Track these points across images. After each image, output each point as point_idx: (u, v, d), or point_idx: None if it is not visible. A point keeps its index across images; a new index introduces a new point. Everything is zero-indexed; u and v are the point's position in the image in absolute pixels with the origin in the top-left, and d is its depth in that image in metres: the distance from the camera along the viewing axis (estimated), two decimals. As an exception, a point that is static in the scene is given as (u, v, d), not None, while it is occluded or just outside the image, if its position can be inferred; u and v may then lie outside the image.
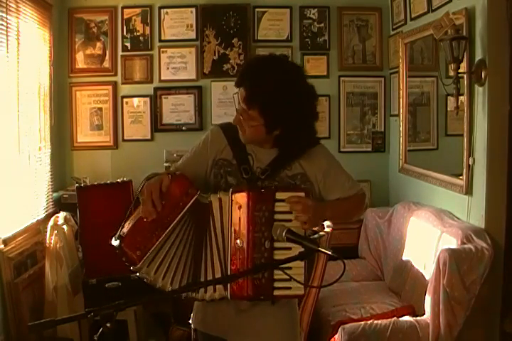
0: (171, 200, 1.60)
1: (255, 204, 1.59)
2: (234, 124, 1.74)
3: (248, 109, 1.64)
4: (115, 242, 1.57)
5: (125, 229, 1.58)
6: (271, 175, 1.73)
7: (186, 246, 1.63)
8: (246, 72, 1.68)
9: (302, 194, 1.64)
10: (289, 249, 1.60)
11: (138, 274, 1.60)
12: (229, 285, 1.61)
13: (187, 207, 1.61)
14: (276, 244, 1.61)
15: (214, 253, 1.64)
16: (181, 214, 1.61)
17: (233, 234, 1.61)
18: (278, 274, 1.60)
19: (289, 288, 1.60)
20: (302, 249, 1.55)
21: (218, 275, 1.63)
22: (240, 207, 1.60)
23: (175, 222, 1.60)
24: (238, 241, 1.60)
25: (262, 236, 1.60)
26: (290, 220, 1.60)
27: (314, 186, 1.78)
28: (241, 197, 1.60)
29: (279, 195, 1.62)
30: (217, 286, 1.63)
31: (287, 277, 1.55)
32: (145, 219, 1.57)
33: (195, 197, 1.63)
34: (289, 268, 1.55)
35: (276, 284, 1.61)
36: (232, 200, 1.61)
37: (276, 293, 1.62)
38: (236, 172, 1.75)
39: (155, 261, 1.59)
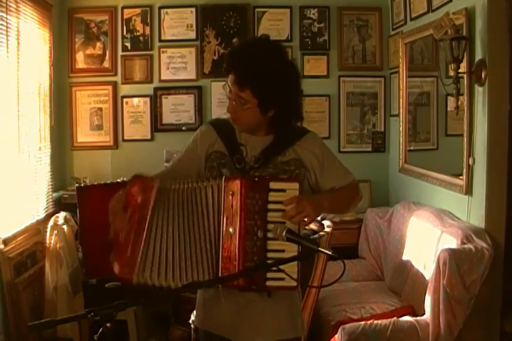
0: (133, 204, 1.62)
1: (248, 191, 1.59)
2: (227, 113, 1.77)
3: (240, 91, 1.67)
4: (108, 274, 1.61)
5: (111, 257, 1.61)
6: (264, 163, 1.74)
7: (175, 237, 1.64)
8: (231, 58, 1.71)
9: (296, 184, 1.63)
10: None
11: (140, 283, 1.61)
12: (220, 273, 1.60)
13: (152, 200, 1.62)
14: (270, 234, 1.60)
15: (206, 239, 1.64)
16: (150, 210, 1.62)
17: (225, 221, 1.61)
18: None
19: (282, 279, 1.60)
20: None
21: (210, 262, 1.63)
22: (232, 194, 1.60)
23: (148, 220, 1.61)
24: (230, 228, 1.60)
25: (255, 225, 1.59)
26: (284, 210, 1.60)
27: (310, 172, 1.78)
28: (234, 185, 1.60)
29: (272, 185, 1.61)
30: (210, 275, 1.63)
31: (280, 268, 1.54)
32: (120, 236, 1.59)
33: (155, 187, 1.63)
34: (282, 270, 1.54)
35: (269, 275, 1.60)
36: (225, 187, 1.61)
37: (268, 283, 1.61)
38: (230, 164, 1.76)
39: (147, 265, 1.61)
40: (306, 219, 1.63)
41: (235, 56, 1.70)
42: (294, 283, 1.62)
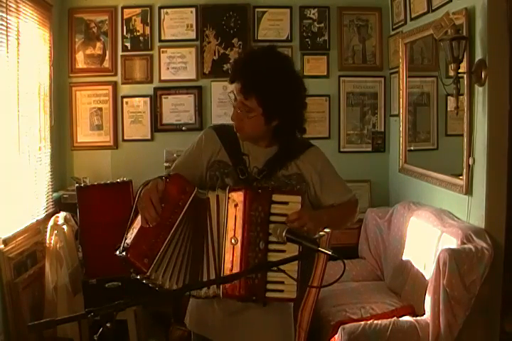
0: (170, 201, 1.60)
1: (251, 203, 1.59)
2: (231, 121, 1.75)
3: (246, 99, 1.66)
4: (120, 254, 1.56)
5: (128, 240, 1.57)
6: (268, 175, 1.74)
7: (187, 244, 1.64)
8: (238, 66, 1.71)
9: (299, 198, 1.64)
10: (283, 251, 1.60)
11: (145, 281, 1.60)
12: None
13: (187, 205, 1.62)
14: (271, 246, 1.61)
15: (210, 250, 1.64)
16: (183, 213, 1.61)
17: (228, 232, 1.61)
18: (271, 276, 1.61)
19: (281, 291, 1.60)
20: (296, 253, 1.56)
21: (213, 272, 1.63)
22: (236, 205, 1.60)
23: (177, 222, 1.60)
24: (233, 239, 1.60)
25: (257, 237, 1.60)
26: (285, 223, 1.60)
27: (310, 187, 1.79)
28: (238, 196, 1.61)
29: (275, 197, 1.62)
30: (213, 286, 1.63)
31: (280, 280, 1.55)
32: (148, 226, 1.57)
33: (194, 193, 1.63)
34: (282, 271, 1.54)
35: (269, 286, 1.61)
36: (228, 198, 1.61)
37: (268, 294, 1.62)
38: (233, 174, 1.75)
39: (162, 264, 1.60)
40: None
41: (241, 65, 1.70)
42: (293, 296, 1.63)
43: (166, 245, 1.58)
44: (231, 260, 1.60)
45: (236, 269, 1.59)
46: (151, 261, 1.55)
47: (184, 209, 1.61)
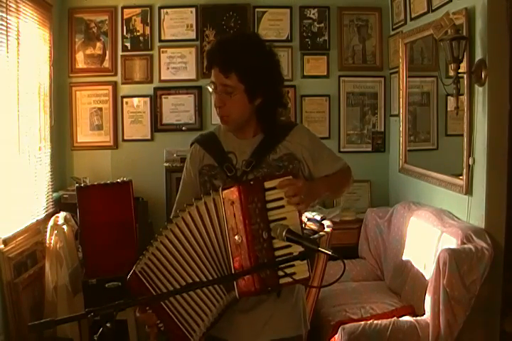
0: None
1: (247, 197, 1.58)
2: (215, 107, 1.74)
3: (226, 77, 1.66)
4: None
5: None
6: (257, 165, 1.74)
7: (192, 274, 1.63)
8: (211, 52, 1.72)
9: (290, 177, 1.63)
10: None
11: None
12: (235, 284, 1.59)
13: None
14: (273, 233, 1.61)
15: (214, 256, 1.62)
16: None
17: (230, 232, 1.60)
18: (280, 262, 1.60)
19: (294, 274, 1.59)
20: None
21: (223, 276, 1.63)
22: (232, 203, 1.59)
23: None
24: (236, 236, 1.59)
25: (259, 228, 1.59)
26: (283, 206, 1.59)
27: (303, 164, 1.79)
28: (231, 193, 1.59)
29: (267, 184, 1.61)
30: (222, 294, 1.62)
31: (290, 263, 1.54)
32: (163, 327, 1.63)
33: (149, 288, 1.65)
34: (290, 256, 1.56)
35: (280, 272, 1.59)
36: (223, 198, 1.60)
37: (282, 281, 1.60)
38: (221, 174, 1.75)
39: (192, 326, 1.64)
40: (302, 204, 1.61)
41: (214, 49, 1.71)
42: (307, 274, 1.60)
43: (176, 319, 1.62)
44: (239, 258, 1.59)
45: (246, 266, 1.58)
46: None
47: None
